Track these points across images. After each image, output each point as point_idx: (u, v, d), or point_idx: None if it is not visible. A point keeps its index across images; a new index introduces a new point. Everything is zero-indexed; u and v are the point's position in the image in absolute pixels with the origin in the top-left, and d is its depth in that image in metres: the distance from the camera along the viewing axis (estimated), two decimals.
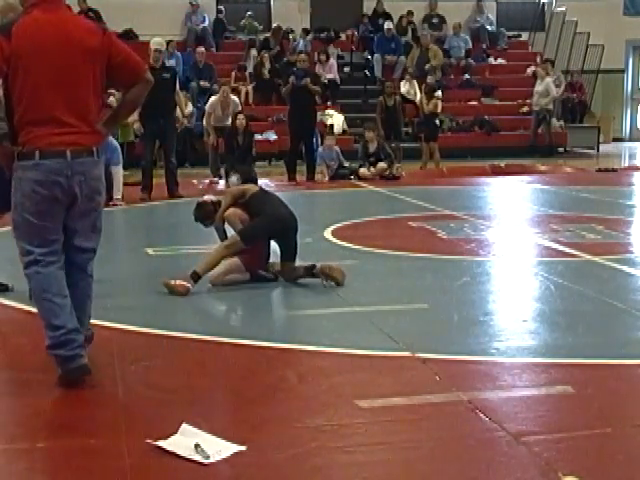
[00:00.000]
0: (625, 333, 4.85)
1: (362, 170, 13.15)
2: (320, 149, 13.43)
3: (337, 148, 13.49)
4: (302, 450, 3.22)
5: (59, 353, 3.91)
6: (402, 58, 18.69)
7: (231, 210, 6.08)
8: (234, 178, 6.02)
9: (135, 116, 11.20)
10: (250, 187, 6.46)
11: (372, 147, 13.23)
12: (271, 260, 6.22)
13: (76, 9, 17.77)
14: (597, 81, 19.90)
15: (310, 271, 5.92)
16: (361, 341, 4.61)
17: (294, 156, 13.33)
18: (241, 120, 12.49)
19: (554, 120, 17.97)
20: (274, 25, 18.81)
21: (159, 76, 10.93)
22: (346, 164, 13.45)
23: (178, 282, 5.71)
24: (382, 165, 13.13)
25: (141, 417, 3.59)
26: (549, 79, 17.19)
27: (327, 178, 13.17)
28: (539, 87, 17.14)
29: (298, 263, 6.07)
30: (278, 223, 6.06)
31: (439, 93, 16.63)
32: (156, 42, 11.25)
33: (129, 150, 12.68)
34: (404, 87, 16.93)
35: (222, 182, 12.71)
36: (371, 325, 4.96)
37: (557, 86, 18.39)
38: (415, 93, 17.06)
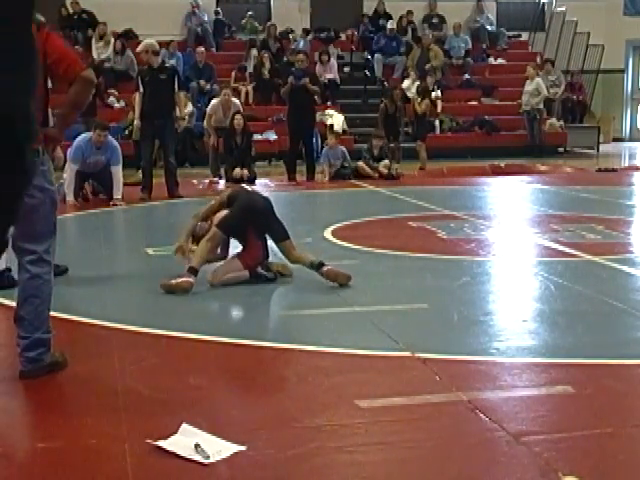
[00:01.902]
0: (625, 333, 4.85)
1: (360, 163, 13.21)
2: (326, 148, 13.45)
3: (343, 148, 13.53)
4: (302, 450, 3.22)
5: None
6: (402, 58, 18.70)
7: (218, 215, 6.16)
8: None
9: (136, 115, 11.19)
10: (225, 191, 6.74)
11: (376, 150, 13.36)
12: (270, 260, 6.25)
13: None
14: (597, 81, 19.91)
15: (315, 268, 5.94)
16: (361, 341, 4.61)
17: (294, 156, 13.33)
18: (238, 120, 12.46)
19: (554, 120, 17.97)
20: (268, 24, 18.80)
21: (158, 76, 10.97)
22: (346, 164, 13.48)
23: (180, 280, 5.73)
24: (386, 162, 13.22)
25: (141, 417, 3.58)
26: (539, 79, 17.18)
27: (327, 178, 13.18)
28: (529, 87, 17.12)
29: (309, 254, 6.12)
30: (249, 207, 6.19)
31: (438, 93, 16.63)
32: (147, 44, 11.31)
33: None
34: (407, 82, 16.99)
35: (222, 182, 12.73)
36: (371, 325, 4.96)
37: (557, 86, 18.40)
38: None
